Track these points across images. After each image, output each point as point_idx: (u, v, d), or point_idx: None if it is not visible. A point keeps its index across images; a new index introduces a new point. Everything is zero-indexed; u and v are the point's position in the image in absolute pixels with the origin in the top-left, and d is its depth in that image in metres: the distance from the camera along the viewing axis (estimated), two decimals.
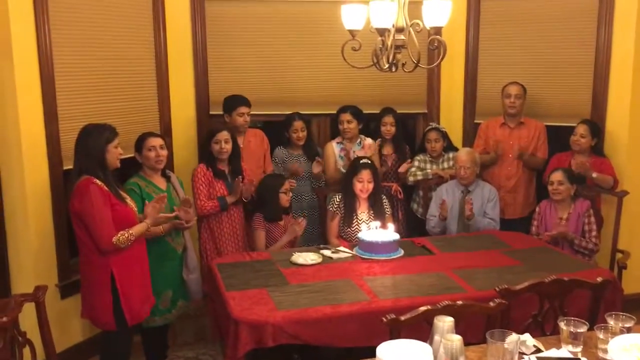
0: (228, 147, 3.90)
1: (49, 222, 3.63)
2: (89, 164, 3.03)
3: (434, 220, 4.31)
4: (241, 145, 4.21)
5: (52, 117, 3.58)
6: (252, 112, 4.34)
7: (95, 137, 3.06)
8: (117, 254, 3.04)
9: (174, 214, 3.39)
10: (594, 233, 4.01)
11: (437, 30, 2.89)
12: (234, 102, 4.27)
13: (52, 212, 3.64)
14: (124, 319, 3.09)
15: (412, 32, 2.95)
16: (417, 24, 2.92)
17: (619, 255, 4.20)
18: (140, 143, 3.54)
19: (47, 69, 3.53)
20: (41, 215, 3.58)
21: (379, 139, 4.66)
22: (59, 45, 3.60)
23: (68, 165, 3.51)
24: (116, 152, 3.13)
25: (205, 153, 3.96)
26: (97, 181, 3.00)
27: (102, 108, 3.90)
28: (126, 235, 3.03)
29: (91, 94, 3.85)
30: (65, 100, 3.66)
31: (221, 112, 4.47)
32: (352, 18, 2.93)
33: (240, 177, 3.91)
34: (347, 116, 4.52)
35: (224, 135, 3.88)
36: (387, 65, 3.01)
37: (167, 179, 3.66)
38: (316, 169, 4.39)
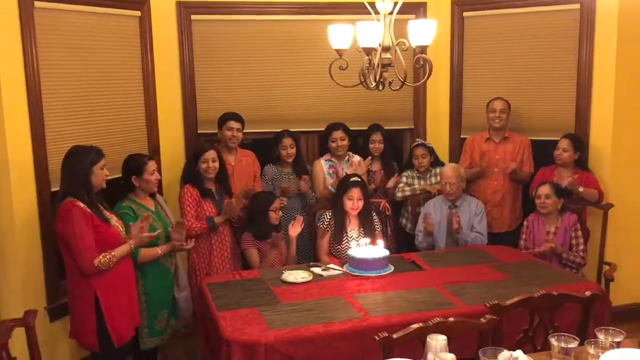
0: (215, 165, 3.90)
1: (37, 244, 3.60)
2: (73, 186, 3.04)
3: (420, 236, 4.34)
4: (232, 164, 4.21)
5: (40, 140, 3.56)
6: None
7: (80, 159, 3.07)
8: (100, 275, 3.04)
9: (157, 232, 3.37)
10: (581, 247, 4.06)
11: (423, 49, 2.94)
12: (224, 116, 4.29)
13: (41, 234, 3.61)
14: (110, 340, 3.08)
15: (399, 51, 2.99)
16: (403, 42, 2.97)
17: (605, 268, 4.24)
18: (140, 167, 3.47)
19: (35, 91, 3.52)
20: (29, 238, 3.55)
21: (370, 157, 4.67)
22: (46, 67, 3.60)
23: (56, 187, 3.48)
24: (102, 174, 3.13)
25: (191, 172, 3.92)
26: (80, 203, 2.99)
27: (90, 129, 3.89)
28: (108, 257, 3.02)
29: (79, 116, 3.85)
30: (53, 123, 3.65)
31: (210, 131, 4.49)
32: (339, 38, 2.97)
33: (231, 199, 3.91)
34: (339, 133, 4.54)
35: (211, 154, 3.88)
36: (374, 84, 3.05)
37: (153, 198, 3.65)
38: (304, 187, 4.40)
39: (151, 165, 3.50)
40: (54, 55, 3.67)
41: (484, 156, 4.58)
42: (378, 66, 3.00)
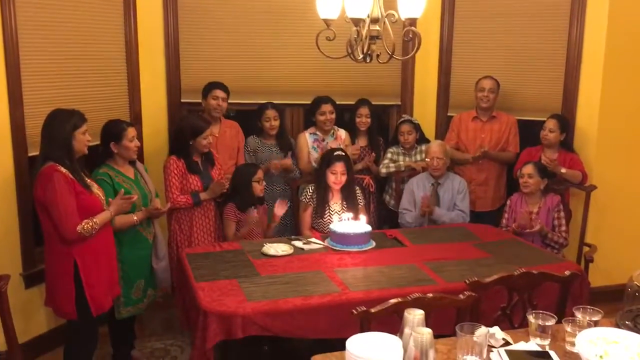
0: (211, 139, 3.88)
1: (13, 210, 3.54)
2: (54, 151, 2.96)
3: (408, 214, 4.31)
4: (216, 135, 4.15)
5: (17, 102, 3.48)
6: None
7: (62, 123, 2.98)
8: (81, 243, 2.99)
9: (136, 196, 3.31)
10: (563, 227, 4.07)
11: (412, 22, 2.88)
12: (210, 85, 4.21)
13: (17, 200, 3.55)
14: (88, 309, 3.04)
15: (387, 23, 2.93)
16: (392, 14, 2.90)
17: (586, 249, 4.26)
18: (119, 132, 3.38)
19: (12, 52, 3.43)
20: (5, 203, 3.48)
21: (358, 143, 4.62)
22: (24, 28, 3.50)
23: (34, 152, 3.42)
24: (84, 139, 3.06)
25: (183, 145, 3.82)
26: (62, 168, 2.93)
27: (69, 93, 3.81)
28: (90, 224, 2.97)
29: (58, 79, 3.76)
30: (31, 85, 3.56)
31: (193, 100, 4.42)
32: (326, 7, 2.90)
33: (221, 179, 3.89)
34: (328, 107, 4.48)
35: (211, 130, 3.86)
36: (361, 56, 2.98)
37: (133, 166, 3.58)
38: (287, 163, 4.35)
39: (130, 131, 3.42)
40: (33, 15, 3.57)
41: (482, 150, 4.46)
42: (366, 38, 2.94)
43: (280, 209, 3.94)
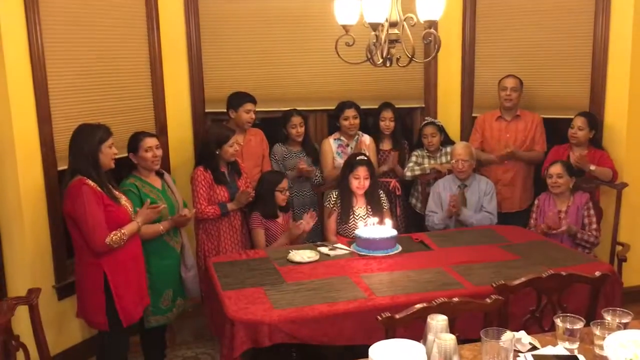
0: (237, 148, 3.91)
1: (44, 223, 3.61)
2: (82, 164, 3.02)
3: (435, 216, 4.27)
4: (241, 144, 4.18)
5: (46, 118, 3.55)
6: None
7: (88, 137, 3.05)
8: (109, 255, 3.04)
9: (163, 206, 3.36)
10: (594, 226, 3.99)
11: (432, 24, 2.86)
12: (241, 98, 4.20)
13: (48, 213, 3.61)
14: (118, 319, 3.09)
15: (406, 26, 2.92)
16: (411, 17, 2.89)
17: (618, 248, 4.17)
18: (136, 143, 3.48)
19: (39, 69, 3.49)
20: (36, 217, 3.55)
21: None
22: (50, 45, 3.57)
23: (63, 166, 3.49)
24: (110, 152, 3.11)
25: (210, 156, 3.85)
26: (90, 182, 2.98)
27: (96, 107, 3.87)
28: (119, 234, 3.02)
29: (85, 94, 3.82)
30: (58, 101, 3.63)
31: (217, 110, 4.44)
32: (345, 13, 2.90)
33: (247, 187, 3.91)
34: (352, 112, 4.47)
35: (236, 138, 3.89)
36: (381, 60, 2.98)
37: (161, 177, 3.63)
38: (303, 168, 4.34)
39: (147, 142, 3.47)
40: (59, 32, 3.64)
41: (508, 150, 4.39)
42: (385, 42, 2.93)
43: (308, 225, 3.90)
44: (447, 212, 4.18)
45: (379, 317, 2.25)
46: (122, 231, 3.05)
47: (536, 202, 4.21)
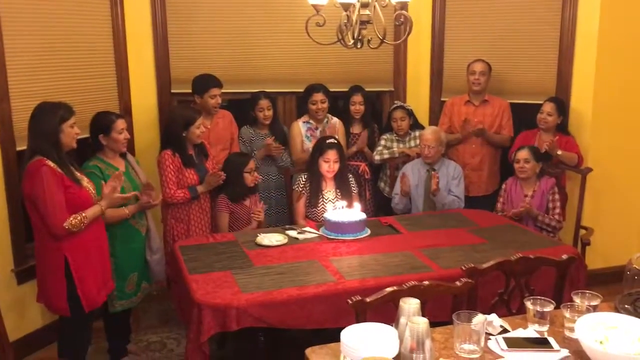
0: (203, 130, 3.83)
1: (2, 205, 3.49)
2: (42, 145, 2.90)
3: (397, 197, 4.29)
4: (208, 127, 4.09)
5: (3, 96, 3.42)
6: None
7: (48, 115, 2.92)
8: (71, 238, 2.93)
9: (131, 194, 3.27)
10: (557, 210, 4.05)
11: (403, 6, 2.83)
12: (205, 82, 4.08)
13: (6, 195, 3.49)
14: (80, 305, 3.00)
15: (378, 7, 2.88)
16: None
17: (582, 232, 4.24)
18: (108, 124, 3.33)
19: None
20: None
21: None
22: (8, 20, 3.43)
23: (22, 146, 3.36)
24: (72, 132, 2.99)
25: (176, 138, 3.74)
26: (50, 162, 2.87)
27: (57, 86, 3.74)
28: (79, 218, 2.92)
29: (45, 71, 3.69)
30: (16, 78, 3.50)
31: (184, 91, 4.34)
32: None
33: (218, 172, 3.82)
34: (320, 96, 4.41)
35: (202, 120, 3.80)
36: (352, 42, 2.94)
37: (124, 158, 3.53)
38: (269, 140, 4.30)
39: (119, 123, 3.36)
40: (17, 7, 3.49)
41: (467, 123, 4.49)
42: (356, 23, 2.89)
43: (260, 215, 3.91)
44: (402, 191, 4.20)
45: (349, 300, 2.23)
46: (84, 214, 2.94)
47: (503, 186, 4.25)
